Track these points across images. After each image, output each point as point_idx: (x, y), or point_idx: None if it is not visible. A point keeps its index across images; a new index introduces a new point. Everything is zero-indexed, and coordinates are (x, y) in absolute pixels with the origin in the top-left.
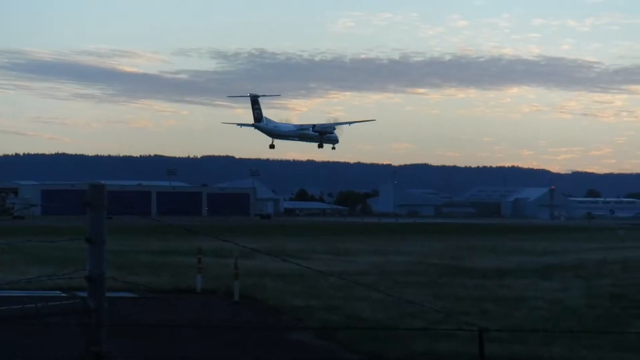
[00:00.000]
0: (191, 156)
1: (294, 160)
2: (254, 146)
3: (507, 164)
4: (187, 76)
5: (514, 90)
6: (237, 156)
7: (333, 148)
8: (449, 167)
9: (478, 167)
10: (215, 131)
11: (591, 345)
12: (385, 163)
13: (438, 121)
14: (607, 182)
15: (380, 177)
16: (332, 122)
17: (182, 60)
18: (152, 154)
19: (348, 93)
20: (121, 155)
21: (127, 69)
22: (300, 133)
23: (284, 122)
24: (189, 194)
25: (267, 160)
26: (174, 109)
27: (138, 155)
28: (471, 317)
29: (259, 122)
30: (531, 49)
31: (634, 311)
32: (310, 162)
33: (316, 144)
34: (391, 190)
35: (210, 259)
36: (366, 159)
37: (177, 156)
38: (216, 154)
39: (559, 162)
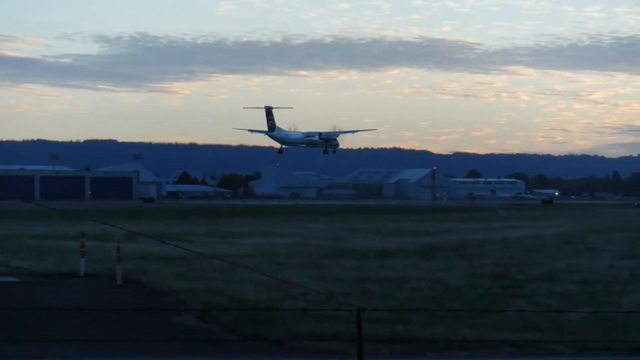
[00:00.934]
0: (74, 140)
1: (176, 144)
2: (137, 130)
3: (389, 145)
4: (70, 60)
5: (396, 72)
6: (120, 140)
7: (334, 152)
8: None
9: (360, 148)
10: (98, 115)
11: (472, 325)
12: (267, 145)
13: (320, 103)
14: (488, 162)
15: (262, 160)
16: (336, 130)
17: (65, 44)
18: (35, 139)
19: (231, 76)
20: (4, 140)
21: (10, 53)
22: (308, 140)
23: (292, 129)
24: (72, 178)
25: (150, 143)
26: (57, 93)
27: (21, 140)
28: (353, 298)
29: (272, 131)
30: (412, 31)
31: (515, 290)
32: (193, 145)
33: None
34: (274, 173)
35: (94, 243)
36: (249, 141)
37: (60, 140)
38: (99, 138)
39: (441, 143)
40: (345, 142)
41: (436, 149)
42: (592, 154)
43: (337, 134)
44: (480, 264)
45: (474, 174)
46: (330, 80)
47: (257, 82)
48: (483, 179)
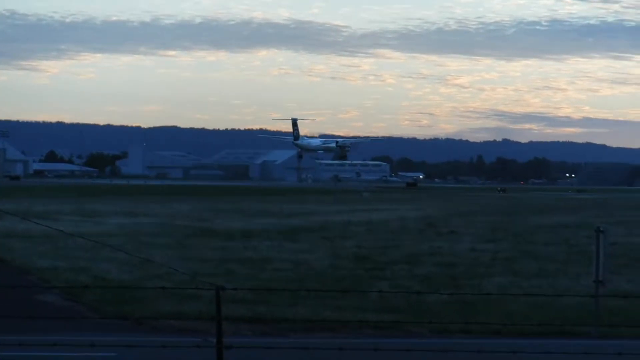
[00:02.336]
0: None
1: (43, 122)
2: (4, 107)
3: (256, 126)
4: None
5: (264, 53)
6: None
7: (345, 158)
8: (198, 129)
9: (227, 129)
10: None
11: (334, 306)
12: (135, 125)
13: (188, 84)
14: (354, 145)
15: (129, 139)
16: (351, 139)
17: None
18: None
19: (99, 55)
20: None
21: None
22: (326, 147)
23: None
24: None
25: (17, 121)
26: None
27: None
28: (217, 278)
29: (297, 140)
30: (281, 13)
31: (377, 272)
32: (60, 124)
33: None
34: (140, 153)
35: None
36: (116, 121)
37: None
38: None
39: (307, 125)
40: (212, 122)
41: (303, 130)
42: (457, 137)
43: (350, 141)
44: (344, 246)
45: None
46: (199, 61)
47: (125, 62)
48: (349, 162)
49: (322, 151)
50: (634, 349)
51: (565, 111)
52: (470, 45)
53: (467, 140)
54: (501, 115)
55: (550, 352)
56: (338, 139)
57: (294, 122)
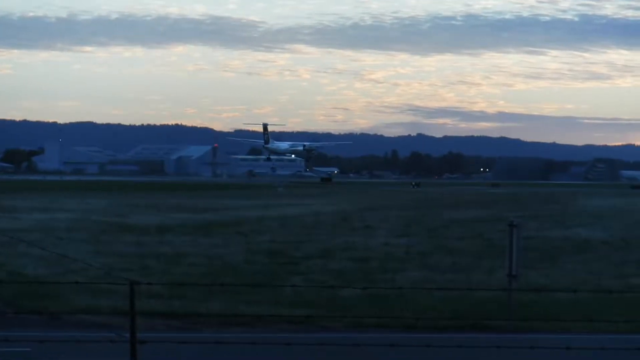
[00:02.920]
0: None
1: None
2: None
3: (172, 122)
4: None
5: (180, 49)
6: None
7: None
8: (114, 125)
9: (143, 125)
10: None
11: (249, 301)
12: (51, 121)
13: (104, 79)
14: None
15: (46, 135)
16: (317, 143)
17: None
18: None
19: (16, 51)
20: None
21: None
22: (293, 150)
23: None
24: None
25: None
26: None
27: None
28: (132, 273)
29: (267, 144)
30: (197, 8)
31: (291, 267)
32: None
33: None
34: (57, 148)
35: None
36: (32, 117)
37: None
38: None
39: (223, 121)
40: (128, 118)
41: (218, 126)
42: (371, 132)
43: (317, 145)
44: (258, 240)
45: (255, 151)
46: (115, 57)
47: (42, 58)
48: (264, 157)
49: (290, 154)
50: (547, 342)
51: (480, 106)
52: (385, 40)
53: (381, 135)
54: (416, 110)
55: (464, 346)
56: (305, 142)
57: (265, 127)
